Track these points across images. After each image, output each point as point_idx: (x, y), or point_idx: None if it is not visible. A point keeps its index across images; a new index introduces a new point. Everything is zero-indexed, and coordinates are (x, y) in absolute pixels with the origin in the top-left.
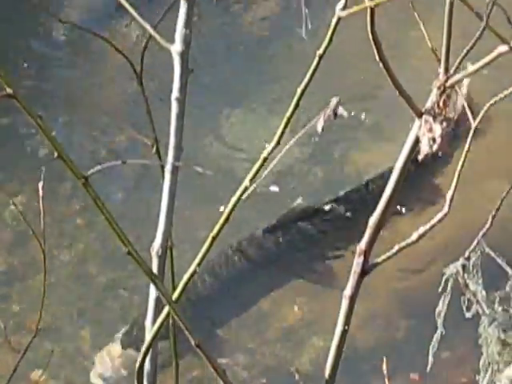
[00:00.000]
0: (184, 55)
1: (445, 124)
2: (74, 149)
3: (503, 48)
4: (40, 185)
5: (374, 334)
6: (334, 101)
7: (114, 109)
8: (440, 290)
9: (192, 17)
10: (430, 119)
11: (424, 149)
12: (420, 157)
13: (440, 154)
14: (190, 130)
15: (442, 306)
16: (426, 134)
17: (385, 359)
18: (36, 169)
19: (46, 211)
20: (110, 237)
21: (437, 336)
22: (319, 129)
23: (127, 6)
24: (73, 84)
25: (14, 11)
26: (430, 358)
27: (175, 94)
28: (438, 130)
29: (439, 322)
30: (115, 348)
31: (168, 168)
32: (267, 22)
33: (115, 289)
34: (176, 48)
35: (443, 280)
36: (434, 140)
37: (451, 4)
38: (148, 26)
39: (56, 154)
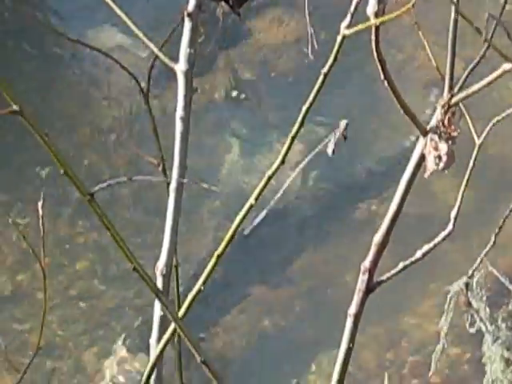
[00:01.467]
0: (188, 74)
1: (450, 142)
2: (79, 167)
3: (508, 66)
4: (40, 204)
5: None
6: (343, 123)
7: (118, 126)
8: (445, 307)
9: (196, 36)
10: (436, 137)
11: (430, 166)
12: (426, 175)
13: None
14: None
15: (444, 322)
16: (431, 152)
17: (386, 375)
18: (39, 188)
19: (49, 231)
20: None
21: (439, 347)
22: (330, 152)
23: (133, 26)
24: (76, 101)
25: (19, 30)
26: (433, 365)
27: (179, 112)
28: (443, 148)
29: (442, 334)
30: (121, 354)
31: (173, 186)
32: None
33: (119, 308)
34: (180, 67)
35: (448, 298)
36: (440, 158)
37: (455, 21)
38: (153, 46)
39: (62, 171)
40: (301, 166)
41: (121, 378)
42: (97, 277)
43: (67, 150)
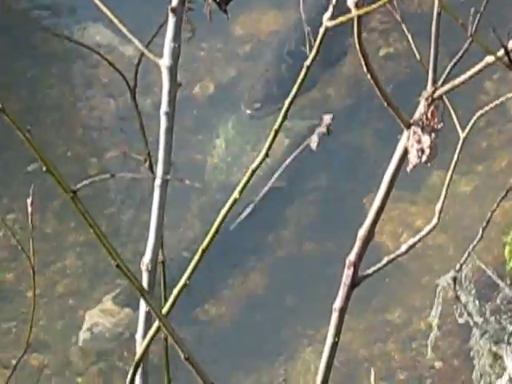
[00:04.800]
0: (172, 69)
1: (433, 135)
2: (64, 164)
3: (490, 58)
4: (29, 201)
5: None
6: (327, 117)
7: (104, 123)
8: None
9: (180, 31)
10: (419, 130)
11: (413, 160)
12: (408, 168)
13: (429, 164)
14: None
15: (434, 314)
16: (414, 145)
17: (372, 371)
18: (28, 184)
19: (36, 227)
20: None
21: (431, 336)
22: (314, 146)
23: (117, 22)
24: (65, 96)
25: (7, 27)
26: (429, 351)
27: (164, 108)
28: (426, 140)
29: (433, 325)
30: (107, 305)
31: (157, 182)
32: None
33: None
34: (165, 62)
35: (437, 291)
36: (422, 151)
37: (438, 15)
38: (137, 42)
39: (44, 168)
40: (286, 162)
41: (110, 317)
42: (85, 273)
43: (56, 144)
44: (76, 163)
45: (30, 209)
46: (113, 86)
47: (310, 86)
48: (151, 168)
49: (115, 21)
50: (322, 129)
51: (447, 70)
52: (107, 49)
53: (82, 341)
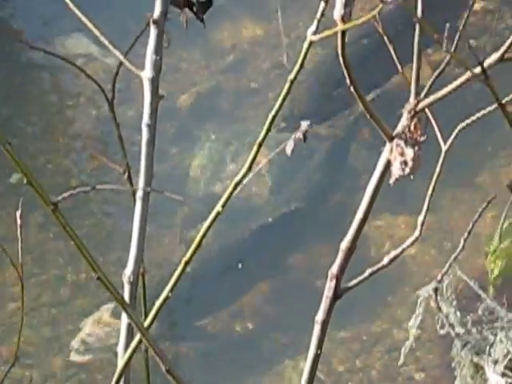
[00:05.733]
0: (154, 81)
1: (416, 148)
2: (44, 175)
3: (476, 70)
4: (18, 214)
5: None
6: (305, 124)
7: (85, 134)
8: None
9: (162, 43)
10: (402, 143)
11: (396, 172)
12: (391, 181)
13: (412, 177)
14: None
15: (413, 323)
16: (397, 157)
17: None
18: (8, 195)
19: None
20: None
21: (407, 343)
22: (288, 152)
23: (97, 33)
24: (47, 107)
25: None
26: (402, 358)
27: (145, 120)
28: (409, 153)
29: (410, 333)
30: (104, 316)
31: (139, 194)
32: None
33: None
34: (146, 74)
35: (417, 303)
36: (405, 163)
37: (420, 27)
38: (118, 53)
39: (25, 180)
40: (260, 165)
41: (105, 328)
42: (67, 284)
43: (37, 155)
44: (57, 174)
45: (19, 221)
46: (95, 96)
47: (344, 108)
48: (130, 179)
49: (95, 31)
50: (299, 135)
51: (429, 83)
52: (88, 58)
53: (74, 350)
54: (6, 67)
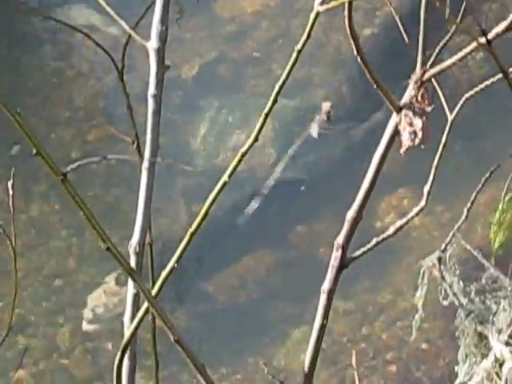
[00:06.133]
0: (160, 52)
1: (424, 117)
2: (48, 146)
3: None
4: (10, 184)
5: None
6: (326, 105)
7: (88, 105)
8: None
9: (168, 13)
10: (410, 113)
11: (406, 142)
12: (402, 150)
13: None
14: None
15: (420, 294)
16: (406, 127)
17: (354, 352)
18: (10, 167)
19: (21, 210)
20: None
21: (417, 317)
22: (314, 134)
23: (104, 4)
24: (48, 79)
25: None
26: (414, 332)
27: (151, 90)
28: (418, 123)
29: (419, 304)
30: (110, 285)
31: (145, 165)
32: None
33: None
34: (152, 45)
35: (421, 272)
36: (415, 134)
37: None
38: (124, 24)
39: (34, 151)
40: (289, 152)
41: (113, 298)
42: (71, 255)
43: (39, 127)
44: (60, 146)
45: (11, 191)
46: (96, 67)
47: (377, 109)
48: (139, 149)
49: (102, 2)
50: (322, 116)
51: (435, 52)
52: (91, 29)
53: (86, 320)
54: (5, 39)
